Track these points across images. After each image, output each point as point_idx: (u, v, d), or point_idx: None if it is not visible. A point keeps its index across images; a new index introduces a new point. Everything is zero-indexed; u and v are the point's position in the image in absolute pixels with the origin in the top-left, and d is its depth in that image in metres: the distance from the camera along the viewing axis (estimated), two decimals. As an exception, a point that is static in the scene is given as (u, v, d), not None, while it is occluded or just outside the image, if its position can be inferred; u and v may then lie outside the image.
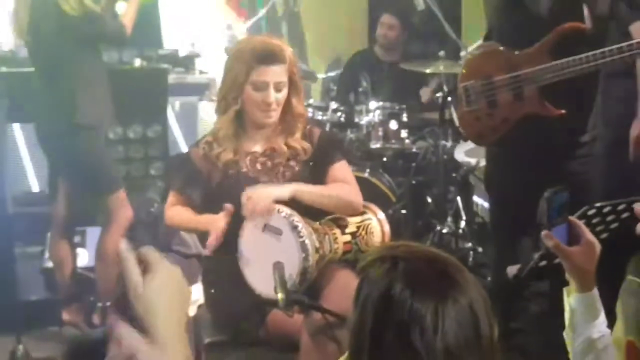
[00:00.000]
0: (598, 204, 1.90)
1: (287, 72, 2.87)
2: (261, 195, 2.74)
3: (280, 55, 2.85)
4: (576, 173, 3.15)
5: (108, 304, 3.99)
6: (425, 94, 5.57)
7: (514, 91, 3.14)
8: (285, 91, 2.88)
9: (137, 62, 5.32)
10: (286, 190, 2.79)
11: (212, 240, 2.75)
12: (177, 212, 2.96)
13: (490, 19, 3.35)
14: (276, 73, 2.84)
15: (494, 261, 3.70)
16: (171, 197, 3.00)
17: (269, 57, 2.83)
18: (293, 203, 2.78)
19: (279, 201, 2.75)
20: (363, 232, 2.94)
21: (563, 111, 3.08)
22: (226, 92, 2.90)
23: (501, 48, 3.18)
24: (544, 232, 1.80)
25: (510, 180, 3.23)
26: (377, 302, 1.35)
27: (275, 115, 2.89)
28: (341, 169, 2.97)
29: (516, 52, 3.13)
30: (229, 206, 2.75)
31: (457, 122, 3.55)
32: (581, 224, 1.83)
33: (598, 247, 1.81)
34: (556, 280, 1.87)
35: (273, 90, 2.83)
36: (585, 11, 3.03)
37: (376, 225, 2.98)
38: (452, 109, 5.07)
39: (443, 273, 1.36)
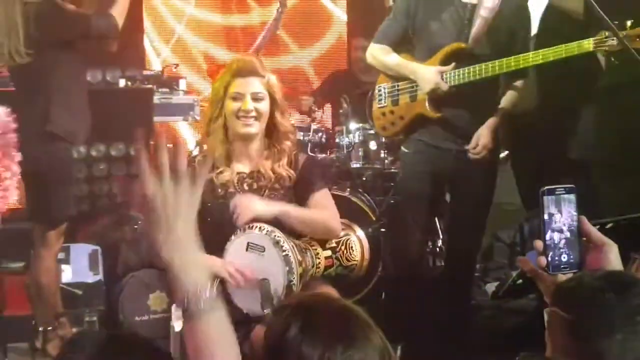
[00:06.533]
0: None
1: (265, 86, 2.98)
2: (244, 208, 2.83)
3: (254, 68, 2.98)
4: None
5: (49, 328, 3.72)
6: None
7: (410, 94, 3.69)
8: (265, 104, 2.97)
9: (122, 83, 5.39)
10: (272, 209, 2.87)
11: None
12: None
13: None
14: (252, 84, 2.96)
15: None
16: None
17: (244, 70, 2.97)
18: (275, 221, 2.86)
19: (261, 218, 2.83)
20: (343, 248, 3.02)
21: (441, 114, 3.60)
22: (211, 112, 3.01)
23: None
24: (519, 258, 1.88)
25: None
26: (272, 343, 1.42)
27: (256, 125, 2.97)
28: (323, 197, 3.04)
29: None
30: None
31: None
32: None
33: None
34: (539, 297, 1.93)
35: (251, 99, 2.94)
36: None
37: (355, 240, 3.07)
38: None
39: (340, 326, 1.40)
